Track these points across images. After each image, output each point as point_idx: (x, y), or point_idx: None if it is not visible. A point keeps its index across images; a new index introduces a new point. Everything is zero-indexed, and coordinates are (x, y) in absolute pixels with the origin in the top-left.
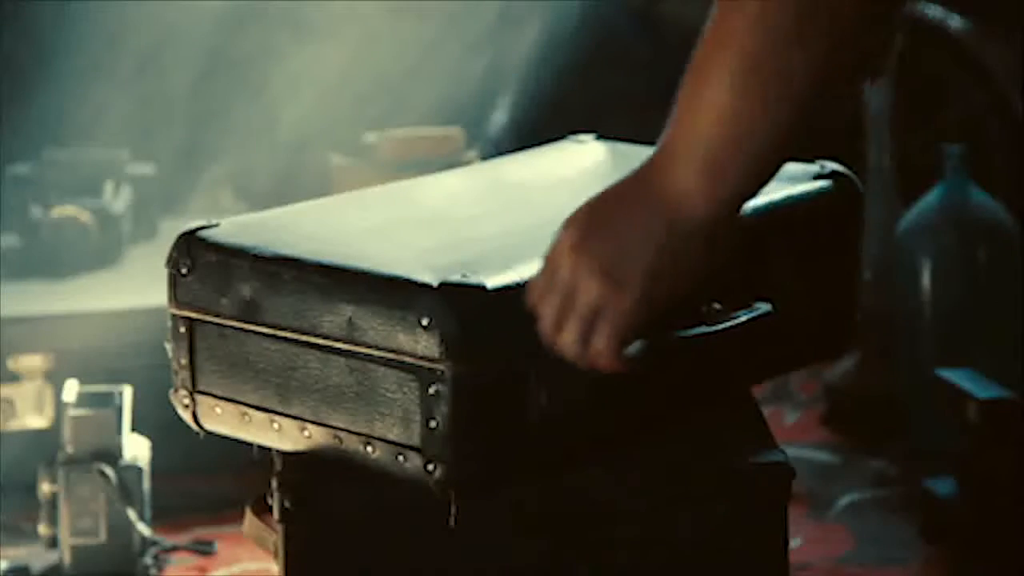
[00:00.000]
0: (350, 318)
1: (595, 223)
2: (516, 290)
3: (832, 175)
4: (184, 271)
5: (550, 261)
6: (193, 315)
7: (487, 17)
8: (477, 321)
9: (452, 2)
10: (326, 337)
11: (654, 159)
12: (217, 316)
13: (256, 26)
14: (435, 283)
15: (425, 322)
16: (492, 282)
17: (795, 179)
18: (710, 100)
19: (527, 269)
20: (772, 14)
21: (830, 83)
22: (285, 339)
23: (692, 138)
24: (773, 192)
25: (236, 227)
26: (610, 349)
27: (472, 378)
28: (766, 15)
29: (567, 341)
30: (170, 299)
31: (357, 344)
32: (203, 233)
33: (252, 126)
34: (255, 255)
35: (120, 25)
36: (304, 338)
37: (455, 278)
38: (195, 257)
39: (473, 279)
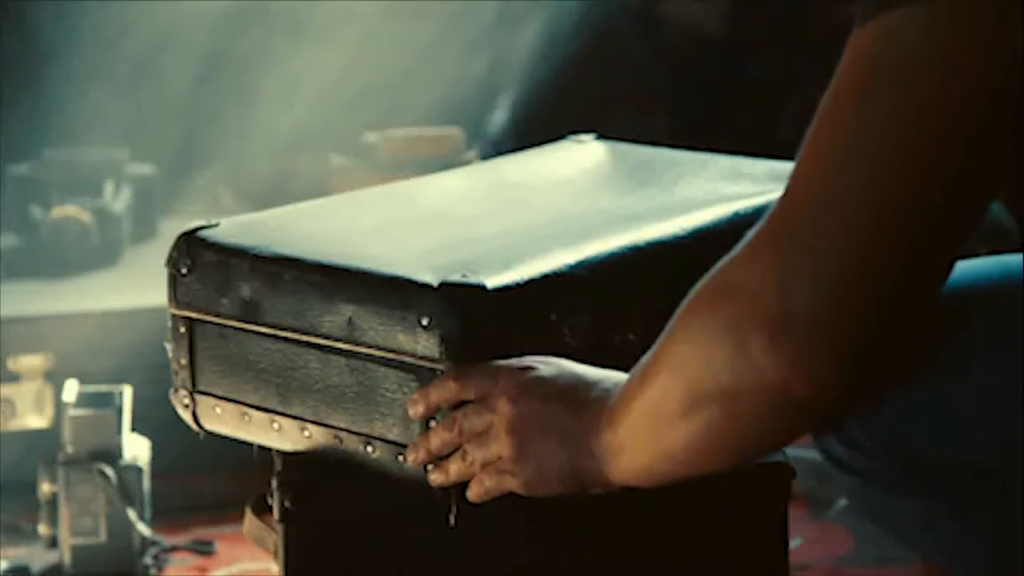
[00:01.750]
0: (350, 318)
1: (538, 398)
2: (516, 290)
3: None
4: (184, 271)
5: (482, 391)
6: (193, 315)
7: (487, 17)
8: (477, 321)
9: (452, 2)
10: (326, 337)
11: (606, 415)
12: (217, 316)
13: (256, 26)
14: (435, 283)
15: (425, 322)
16: (492, 282)
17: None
18: (661, 419)
19: (527, 269)
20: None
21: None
22: (285, 339)
23: (635, 438)
24: (767, 193)
25: (236, 227)
26: (476, 488)
27: None
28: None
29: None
30: (170, 299)
31: (357, 344)
32: (203, 233)
33: (252, 126)
34: (255, 255)
35: (120, 25)
36: (304, 338)
37: (455, 278)
38: (195, 257)
39: (473, 279)
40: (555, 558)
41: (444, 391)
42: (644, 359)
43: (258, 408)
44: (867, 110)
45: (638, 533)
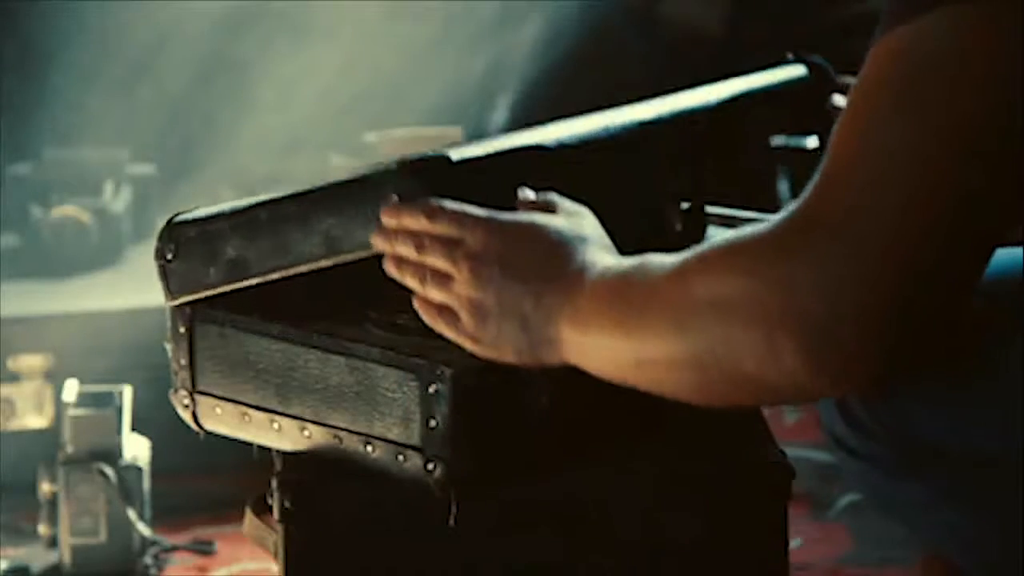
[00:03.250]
0: (328, 233)
1: (499, 273)
2: (481, 161)
3: (804, 63)
4: (170, 256)
5: (450, 235)
6: (188, 298)
7: (487, 17)
8: (443, 192)
9: (452, 2)
10: (309, 260)
11: (574, 311)
12: (208, 288)
13: (255, 27)
14: (397, 166)
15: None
16: (457, 155)
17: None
18: (633, 330)
19: (493, 146)
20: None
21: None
22: (285, 339)
23: (604, 357)
24: (750, 81)
25: (213, 207)
26: (427, 318)
27: (472, 378)
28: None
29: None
30: (165, 293)
31: (340, 253)
32: (181, 218)
33: (252, 126)
34: (231, 212)
35: (120, 25)
36: (302, 339)
37: (416, 155)
38: (177, 239)
39: (436, 153)
40: (555, 558)
41: (414, 220)
42: (635, 275)
43: (258, 408)
44: (902, 115)
45: (638, 533)
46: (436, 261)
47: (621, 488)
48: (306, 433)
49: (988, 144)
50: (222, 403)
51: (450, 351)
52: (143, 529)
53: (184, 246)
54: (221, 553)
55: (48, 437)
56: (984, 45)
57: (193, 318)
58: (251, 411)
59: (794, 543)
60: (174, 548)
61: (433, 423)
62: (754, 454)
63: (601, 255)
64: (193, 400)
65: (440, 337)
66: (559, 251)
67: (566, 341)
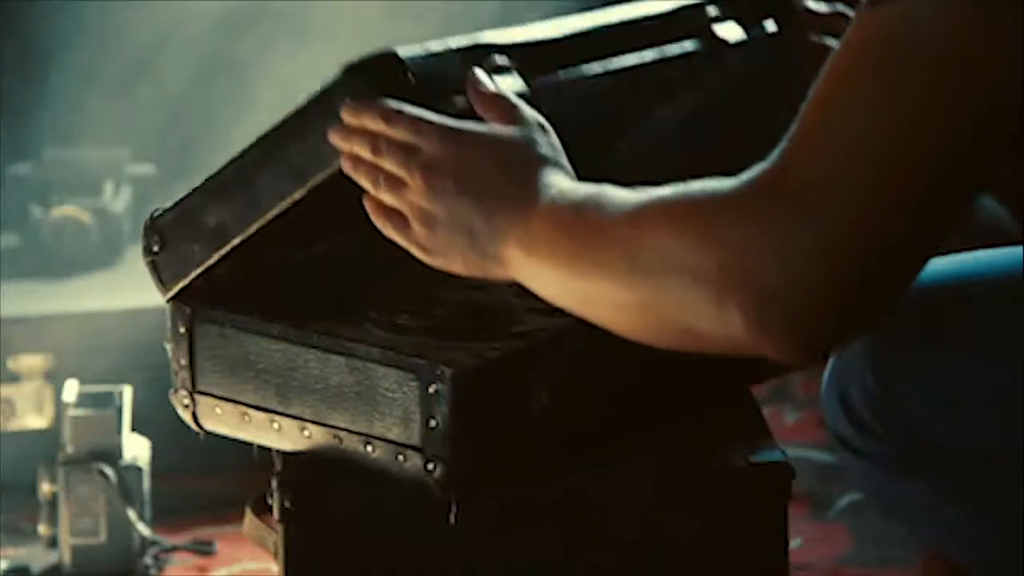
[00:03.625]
0: (293, 163)
1: (452, 186)
2: (432, 57)
3: None
4: (156, 248)
5: (404, 140)
6: (181, 284)
7: (487, 17)
8: (393, 90)
9: (451, 2)
10: (282, 198)
11: (523, 234)
12: (197, 266)
13: (256, 27)
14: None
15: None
16: (404, 51)
17: None
18: (589, 262)
19: (450, 43)
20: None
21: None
22: (285, 339)
23: (553, 287)
24: None
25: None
26: (376, 219)
27: (472, 378)
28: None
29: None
30: (159, 288)
31: (310, 178)
32: (160, 210)
33: (252, 126)
34: (203, 183)
35: (120, 25)
36: (302, 339)
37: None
38: (159, 229)
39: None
40: (555, 558)
41: (372, 121)
42: (590, 206)
43: (258, 408)
44: (882, 89)
45: (638, 533)
46: (391, 166)
47: (621, 488)
48: (306, 433)
49: (965, 125)
50: (222, 403)
51: (450, 351)
52: (143, 529)
53: (167, 232)
54: (221, 553)
55: (48, 437)
56: (969, 25)
57: (193, 318)
58: (251, 411)
59: (794, 543)
60: (174, 548)
61: (433, 423)
62: (754, 454)
63: (558, 177)
64: (193, 400)
65: (438, 336)
66: (515, 169)
67: (514, 262)
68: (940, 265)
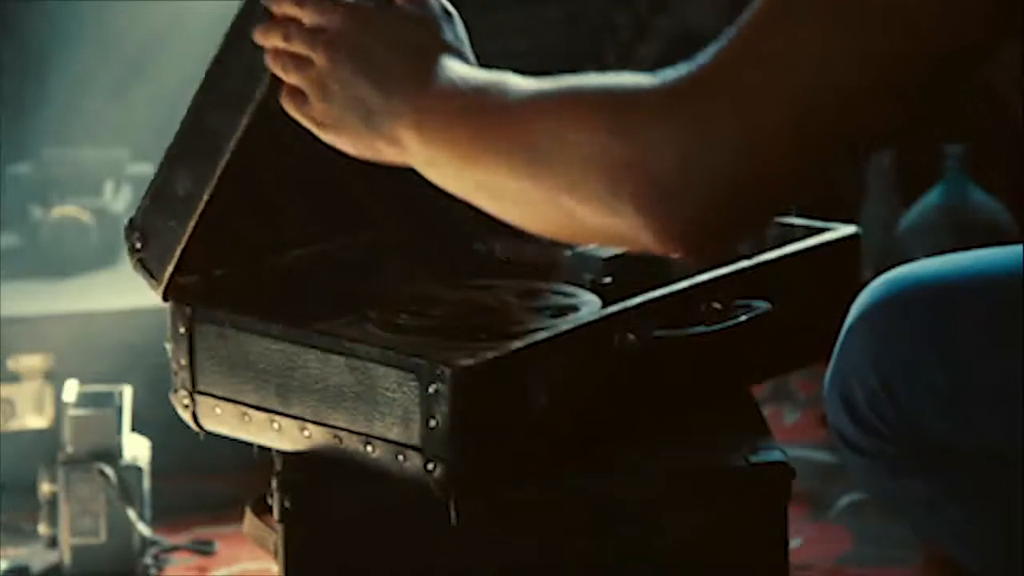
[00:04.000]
0: (239, 91)
1: (375, 38)
2: None
3: None
4: (139, 245)
5: (323, 3)
6: (169, 269)
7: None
8: None
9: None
10: (235, 131)
11: (418, 115)
12: (178, 242)
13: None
14: None
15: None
16: None
17: None
18: (489, 149)
19: None
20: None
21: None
22: (285, 339)
23: (448, 173)
24: None
25: None
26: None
27: (472, 378)
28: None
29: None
30: (152, 285)
31: (256, 92)
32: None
33: None
34: (163, 157)
35: (120, 25)
36: (302, 339)
37: None
38: (136, 226)
39: None
40: (554, 558)
41: (288, 7)
42: (491, 92)
43: (258, 408)
44: (819, 8)
45: (638, 533)
46: (298, 47)
47: (621, 488)
48: (306, 433)
49: (886, 49)
50: (222, 403)
51: (450, 351)
52: (143, 529)
53: (143, 223)
54: (221, 553)
55: (48, 437)
56: None
57: (193, 318)
58: (251, 411)
59: (794, 543)
60: (174, 548)
61: (433, 423)
62: (754, 454)
63: (459, 64)
64: (193, 400)
65: (438, 336)
66: (417, 49)
67: (408, 145)
68: (941, 263)
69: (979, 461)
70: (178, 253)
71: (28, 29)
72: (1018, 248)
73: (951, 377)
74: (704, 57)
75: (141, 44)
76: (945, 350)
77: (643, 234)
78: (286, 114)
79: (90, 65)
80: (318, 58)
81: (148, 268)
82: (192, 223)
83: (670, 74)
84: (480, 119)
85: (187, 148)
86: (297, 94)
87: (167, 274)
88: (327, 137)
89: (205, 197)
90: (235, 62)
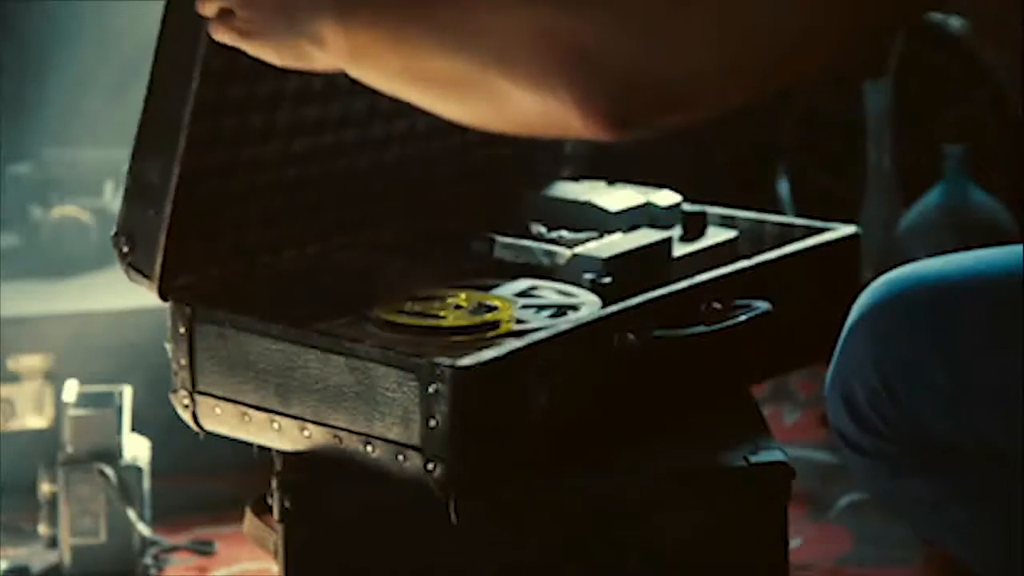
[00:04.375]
0: (175, 56)
1: None
2: None
3: None
4: (126, 249)
5: None
6: (158, 260)
7: None
8: None
9: None
10: (190, 98)
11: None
12: (159, 228)
13: None
14: None
15: None
16: None
17: None
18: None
19: None
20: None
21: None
22: (285, 339)
23: (371, 27)
24: None
25: None
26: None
27: (472, 378)
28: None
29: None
30: (148, 286)
31: (199, 46)
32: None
33: None
34: (131, 157)
35: (120, 25)
36: (302, 339)
37: None
38: (120, 231)
39: None
40: (554, 558)
41: None
42: None
43: (258, 408)
44: None
45: (638, 533)
46: None
47: (621, 488)
48: (306, 433)
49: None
50: (222, 403)
51: (450, 351)
52: (143, 529)
53: (126, 224)
54: (221, 553)
55: (48, 437)
56: None
57: (193, 318)
58: (251, 411)
59: (794, 543)
60: (174, 548)
61: (433, 423)
62: (754, 454)
63: None
64: (193, 400)
65: (438, 336)
66: None
67: (332, 40)
68: (942, 264)
69: (980, 461)
70: (163, 241)
71: (28, 29)
72: (1018, 248)
73: (952, 377)
74: None
75: (141, 44)
76: (946, 350)
77: (568, 109)
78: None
79: (90, 65)
80: None
81: (139, 269)
82: (170, 205)
83: None
84: (405, 5)
85: (148, 135)
86: (225, 14)
87: (157, 267)
88: (253, 49)
89: (175, 173)
90: (174, 32)
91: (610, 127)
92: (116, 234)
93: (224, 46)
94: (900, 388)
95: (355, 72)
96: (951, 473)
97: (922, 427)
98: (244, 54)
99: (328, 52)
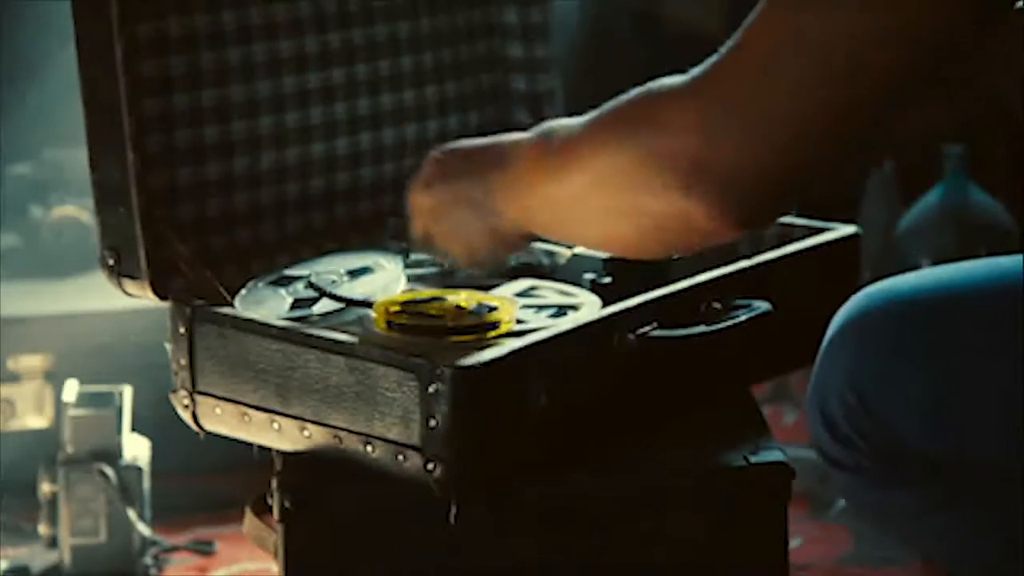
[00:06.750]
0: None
1: (447, 180)
2: None
3: None
4: (112, 261)
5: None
6: (143, 261)
7: None
8: None
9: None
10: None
11: (507, 186)
12: (134, 221)
13: None
14: None
15: None
16: None
17: None
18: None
19: None
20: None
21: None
22: (285, 339)
23: (544, 223)
24: None
25: None
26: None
27: (472, 378)
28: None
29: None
30: (140, 290)
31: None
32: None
33: None
34: (89, 163)
35: None
36: (302, 339)
37: None
38: (102, 244)
39: None
40: (554, 558)
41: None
42: (554, 137)
43: (258, 408)
44: None
45: (638, 533)
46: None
47: (621, 488)
48: (306, 433)
49: (881, 29)
50: (222, 403)
51: (450, 351)
52: (143, 529)
53: (107, 234)
54: (221, 553)
55: (48, 437)
56: None
57: (193, 318)
58: (251, 411)
59: (794, 543)
60: (174, 548)
61: (433, 423)
62: (754, 454)
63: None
64: (193, 400)
65: (438, 336)
66: (487, 147)
67: (504, 210)
68: (917, 278)
69: (963, 469)
70: (140, 234)
71: (27, 29)
72: (993, 261)
73: (927, 389)
74: (731, 40)
75: None
76: (921, 363)
77: (716, 220)
78: None
79: None
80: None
81: (129, 275)
82: (136, 194)
83: (704, 64)
84: (551, 156)
85: (97, 133)
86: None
87: (143, 264)
88: (458, 255)
89: (131, 160)
90: (87, 22)
91: (742, 226)
92: (102, 254)
93: (144, 16)
94: (875, 402)
95: (526, 226)
96: (933, 483)
97: (901, 439)
98: (170, 24)
99: (504, 223)
